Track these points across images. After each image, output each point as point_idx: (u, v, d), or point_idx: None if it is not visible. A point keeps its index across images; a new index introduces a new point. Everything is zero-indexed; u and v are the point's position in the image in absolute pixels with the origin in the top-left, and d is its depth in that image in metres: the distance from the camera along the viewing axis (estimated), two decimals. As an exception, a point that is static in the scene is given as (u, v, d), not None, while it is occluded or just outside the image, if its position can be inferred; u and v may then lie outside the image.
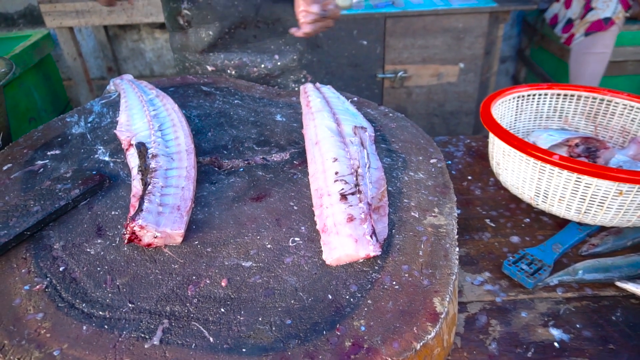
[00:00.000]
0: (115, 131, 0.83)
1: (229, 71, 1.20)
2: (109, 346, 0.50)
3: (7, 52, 1.96)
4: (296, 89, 1.25)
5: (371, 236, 0.59)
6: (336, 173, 0.68)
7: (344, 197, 0.64)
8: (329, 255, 0.59)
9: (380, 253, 0.59)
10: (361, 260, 0.60)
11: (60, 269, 0.59)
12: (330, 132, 0.77)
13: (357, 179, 0.67)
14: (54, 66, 2.33)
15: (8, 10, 2.87)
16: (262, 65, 1.21)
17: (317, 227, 0.64)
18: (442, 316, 0.53)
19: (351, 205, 0.63)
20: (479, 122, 2.58)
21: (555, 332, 0.61)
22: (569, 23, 2.31)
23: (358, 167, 0.69)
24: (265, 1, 1.12)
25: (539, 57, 2.78)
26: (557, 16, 2.41)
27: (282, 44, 1.21)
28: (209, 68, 1.21)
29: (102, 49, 2.90)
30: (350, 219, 0.61)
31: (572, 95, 0.96)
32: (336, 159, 0.70)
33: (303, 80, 1.28)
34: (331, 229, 0.61)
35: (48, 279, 0.58)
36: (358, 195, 0.64)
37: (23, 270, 0.59)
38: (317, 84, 1.00)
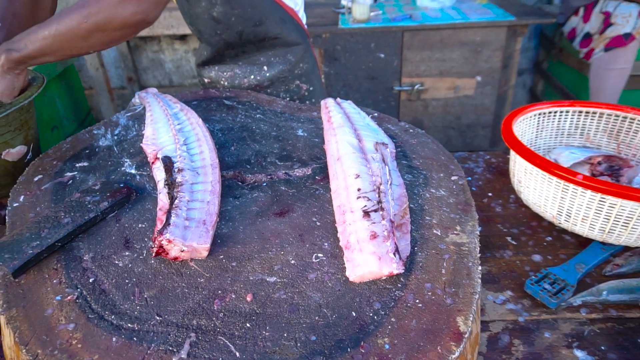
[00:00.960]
0: (141, 144, 0.85)
1: (222, 82, 1.29)
2: (138, 358, 0.51)
3: (33, 62, 2.02)
4: (287, 98, 1.29)
5: (394, 254, 0.59)
6: (358, 190, 0.68)
7: (366, 214, 0.64)
8: (352, 272, 0.59)
9: (403, 271, 0.59)
10: (384, 278, 0.60)
11: (90, 280, 0.61)
12: (352, 148, 0.78)
13: (379, 196, 0.68)
14: (77, 76, 2.39)
15: (34, 21, 2.96)
16: (252, 77, 1.26)
17: (340, 243, 0.64)
18: (466, 336, 0.53)
19: (374, 223, 0.63)
20: (496, 135, 2.57)
21: (580, 354, 0.60)
22: (588, 37, 2.29)
23: (380, 184, 0.70)
24: (246, 27, 1.16)
25: (557, 70, 2.77)
26: (575, 30, 2.40)
27: (272, 56, 1.25)
28: (205, 80, 1.31)
29: (123, 59, 2.96)
30: (374, 236, 0.61)
31: (594, 113, 0.96)
32: (358, 176, 0.71)
33: (295, 89, 1.31)
34: (354, 246, 0.61)
35: (79, 289, 0.59)
36: (381, 212, 0.64)
37: (55, 281, 0.61)
38: (338, 99, 1.01)
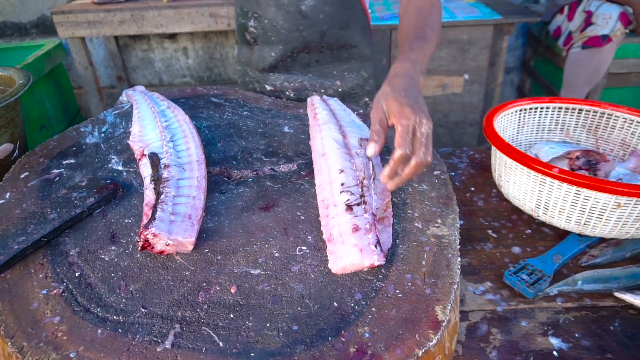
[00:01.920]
0: (128, 141, 0.86)
1: (287, 93, 1.19)
2: (123, 349, 0.52)
3: (20, 61, 2.01)
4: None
5: (375, 246, 0.61)
6: (342, 184, 0.70)
7: (349, 207, 0.66)
8: (334, 264, 0.61)
9: (384, 262, 0.61)
10: (366, 269, 0.62)
11: (76, 274, 0.62)
12: (337, 144, 0.79)
13: (362, 190, 0.69)
14: (65, 75, 2.38)
15: (21, 20, 2.93)
16: (322, 90, 1.19)
17: (324, 236, 0.66)
18: (444, 324, 0.55)
19: (357, 216, 0.65)
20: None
21: (555, 341, 0.62)
22: (570, 35, 2.33)
23: (363, 179, 0.71)
24: (332, 27, 1.10)
25: (544, 68, 2.80)
26: (560, 28, 2.44)
27: (346, 70, 1.19)
28: (268, 87, 1.20)
29: (112, 58, 2.95)
30: (356, 229, 0.63)
31: (573, 109, 0.98)
32: (342, 170, 0.72)
33: (363, 106, 1.23)
34: (337, 239, 0.63)
35: (64, 284, 0.60)
36: (363, 206, 0.66)
37: (40, 275, 0.62)
38: (324, 97, 1.02)
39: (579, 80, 2.28)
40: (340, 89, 1.20)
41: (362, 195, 0.68)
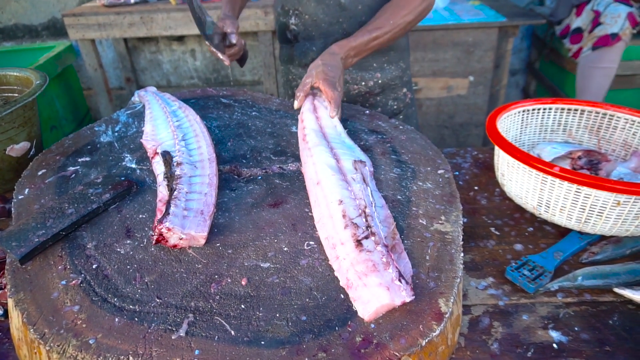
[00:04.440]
0: (141, 140, 0.88)
1: None
2: (139, 337, 0.54)
3: (32, 62, 2.05)
4: (394, 106, 1.25)
5: (400, 280, 0.56)
6: (344, 216, 0.65)
7: (359, 243, 0.61)
8: (364, 310, 0.56)
9: (413, 297, 0.56)
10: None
11: (93, 266, 0.64)
12: (331, 170, 0.74)
13: (367, 220, 0.64)
14: (75, 76, 2.43)
15: (32, 22, 2.98)
16: (363, 83, 1.21)
17: (341, 283, 0.61)
18: (447, 316, 0.57)
19: (369, 251, 0.60)
20: (489, 134, 2.61)
21: (555, 334, 0.64)
22: (578, 33, 2.34)
23: (365, 207, 0.67)
24: (370, 18, 1.09)
25: (549, 70, 2.81)
26: (568, 27, 2.44)
27: (385, 62, 1.20)
28: None
29: (122, 60, 2.99)
30: (374, 266, 0.58)
31: (575, 110, 1.00)
32: (341, 201, 0.68)
33: (402, 97, 1.27)
34: (356, 282, 0.58)
35: (82, 275, 0.63)
36: (372, 239, 0.62)
37: (59, 267, 0.64)
38: (315, 102, 0.95)
39: (593, 83, 2.28)
40: (380, 81, 1.21)
41: (368, 226, 0.63)
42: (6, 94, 1.09)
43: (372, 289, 0.56)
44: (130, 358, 0.52)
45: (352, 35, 1.00)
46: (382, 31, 1.00)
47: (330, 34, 1.15)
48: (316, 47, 1.17)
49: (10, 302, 0.61)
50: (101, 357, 0.52)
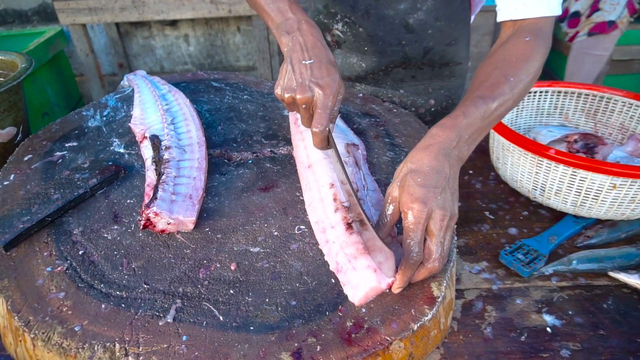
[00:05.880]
0: (129, 124, 0.87)
1: None
2: (126, 323, 0.53)
3: (22, 48, 2.01)
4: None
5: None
6: (334, 200, 0.64)
7: (349, 226, 0.60)
8: (354, 295, 0.55)
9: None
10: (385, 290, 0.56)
11: (80, 252, 0.63)
12: (323, 153, 0.72)
13: (359, 204, 0.62)
14: (67, 62, 2.38)
15: (22, 7, 2.93)
16: (413, 109, 1.08)
17: (330, 268, 0.59)
18: (439, 300, 0.56)
19: (359, 234, 0.59)
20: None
21: (548, 318, 0.63)
22: (576, 17, 2.31)
23: (357, 191, 0.65)
24: (438, 44, 0.99)
25: (546, 55, 2.79)
26: (567, 10, 2.41)
27: (442, 87, 1.07)
28: None
29: (114, 45, 2.95)
30: (363, 249, 0.57)
31: (572, 93, 0.98)
32: (333, 185, 0.66)
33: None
34: (346, 266, 0.57)
35: (68, 261, 0.61)
36: (364, 222, 0.60)
37: (45, 254, 0.63)
38: None
39: (583, 69, 2.27)
40: (433, 109, 1.08)
41: (359, 210, 0.61)
42: (-8, 79, 1.06)
43: (361, 271, 0.55)
44: (117, 344, 0.51)
45: (465, 111, 0.62)
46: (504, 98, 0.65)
47: (387, 54, 1.00)
48: (365, 65, 1.03)
49: (-5, 289, 0.60)
50: (87, 344, 0.51)
